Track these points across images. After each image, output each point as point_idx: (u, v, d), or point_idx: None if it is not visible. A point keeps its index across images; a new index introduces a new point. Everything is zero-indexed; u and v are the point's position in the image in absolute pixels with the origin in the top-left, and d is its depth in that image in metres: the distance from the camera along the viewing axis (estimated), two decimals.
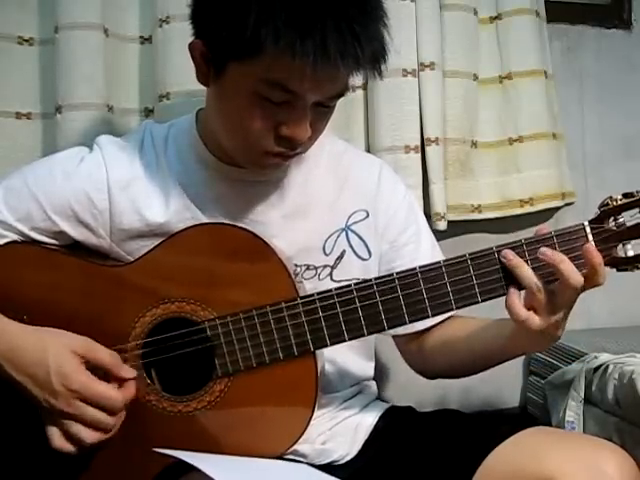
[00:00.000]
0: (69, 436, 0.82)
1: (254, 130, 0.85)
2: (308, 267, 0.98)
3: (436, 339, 1.02)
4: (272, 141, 0.86)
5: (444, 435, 0.94)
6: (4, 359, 0.82)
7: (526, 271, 0.81)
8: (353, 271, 0.99)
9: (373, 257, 1.02)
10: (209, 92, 0.93)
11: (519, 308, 0.82)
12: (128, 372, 0.86)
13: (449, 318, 1.02)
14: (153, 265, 0.89)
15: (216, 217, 0.95)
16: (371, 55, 0.82)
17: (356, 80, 1.42)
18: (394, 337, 1.08)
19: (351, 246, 1.00)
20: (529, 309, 0.82)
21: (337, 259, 0.99)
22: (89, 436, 0.82)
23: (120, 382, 0.85)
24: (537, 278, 0.81)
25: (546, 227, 0.85)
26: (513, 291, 0.83)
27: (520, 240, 0.84)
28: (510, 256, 0.83)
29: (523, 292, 0.83)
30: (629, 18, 1.79)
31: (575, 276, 0.80)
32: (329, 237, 0.99)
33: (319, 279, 0.98)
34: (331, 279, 0.98)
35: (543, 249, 0.81)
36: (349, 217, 1.01)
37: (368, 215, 1.01)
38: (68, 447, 0.83)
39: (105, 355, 0.84)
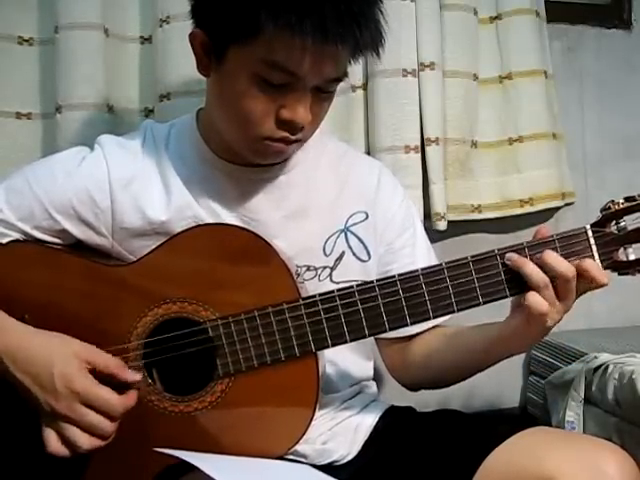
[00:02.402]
0: (65, 440, 0.82)
1: (255, 114, 0.86)
2: (308, 268, 0.98)
3: (419, 350, 1.02)
4: (273, 125, 0.86)
5: (444, 435, 0.94)
6: (8, 357, 0.82)
7: (531, 268, 0.81)
8: (352, 272, 0.99)
9: (372, 259, 1.02)
10: (210, 83, 0.93)
11: (542, 301, 0.81)
12: (133, 375, 0.85)
13: (433, 327, 1.02)
14: (155, 265, 0.90)
15: (218, 216, 0.95)
16: (369, 37, 0.83)
17: (356, 80, 1.45)
18: (378, 346, 1.08)
19: (350, 247, 1.00)
20: None
21: (336, 260, 0.99)
22: (86, 441, 0.82)
23: (123, 389, 0.85)
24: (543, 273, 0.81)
25: (546, 227, 0.85)
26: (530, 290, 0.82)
27: (522, 243, 0.83)
28: (514, 257, 0.82)
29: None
30: (629, 18, 1.79)
31: (565, 266, 0.80)
32: (329, 238, 0.99)
33: (319, 280, 0.98)
34: (331, 280, 0.98)
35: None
36: (348, 218, 1.01)
37: (367, 217, 1.01)
38: (64, 451, 0.82)
39: (109, 360, 0.85)
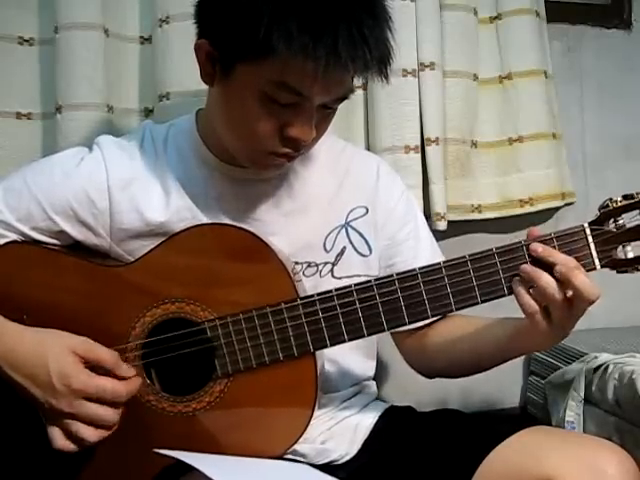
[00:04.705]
0: (71, 435, 0.83)
1: (260, 131, 0.85)
2: (309, 264, 0.98)
3: (438, 337, 1.01)
4: (278, 142, 0.86)
5: (444, 435, 0.94)
6: (4, 361, 0.82)
7: (548, 280, 0.80)
8: (354, 267, 0.99)
9: (374, 253, 1.02)
10: (213, 92, 0.93)
11: (530, 299, 0.81)
12: (128, 371, 0.86)
13: (449, 317, 1.01)
14: (153, 265, 0.90)
15: (216, 216, 0.95)
16: (379, 58, 0.83)
17: (356, 80, 1.45)
18: (393, 335, 1.07)
19: (351, 242, 1.00)
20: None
21: (338, 255, 0.99)
22: (91, 434, 0.82)
23: (121, 379, 0.85)
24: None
25: (537, 230, 0.85)
26: (521, 289, 0.82)
27: (520, 241, 0.83)
28: (529, 269, 0.82)
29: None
30: (629, 18, 1.79)
31: (591, 289, 0.79)
32: (329, 234, 0.99)
33: (320, 276, 0.98)
34: (332, 276, 0.98)
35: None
36: (349, 213, 1.01)
37: (367, 211, 1.02)
38: (70, 447, 0.83)
39: (105, 354, 0.84)
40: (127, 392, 0.84)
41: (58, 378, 0.81)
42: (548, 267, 0.81)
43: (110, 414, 0.83)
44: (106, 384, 0.83)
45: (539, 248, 0.82)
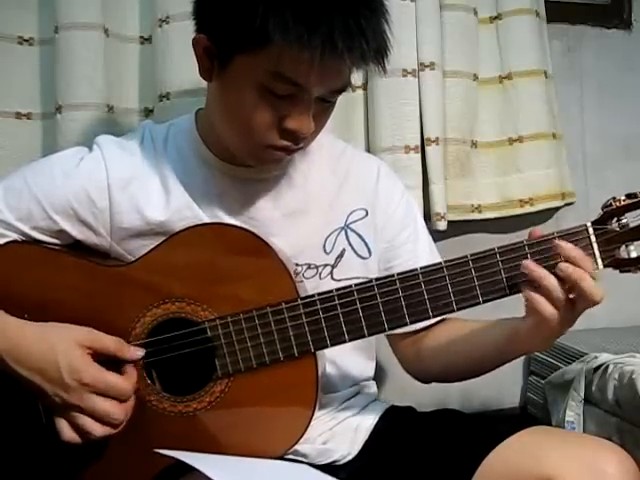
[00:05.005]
0: (78, 429, 0.83)
1: (258, 123, 0.86)
2: (309, 266, 0.98)
3: (434, 342, 1.01)
4: (276, 134, 0.87)
5: (444, 435, 0.94)
6: (8, 355, 0.83)
7: (553, 282, 0.80)
8: (354, 270, 0.99)
9: (373, 256, 1.02)
10: (212, 87, 0.93)
11: (546, 304, 0.81)
12: (134, 353, 0.86)
13: (446, 320, 1.01)
14: (153, 265, 0.89)
15: (217, 216, 0.95)
16: (376, 49, 0.83)
17: (356, 79, 1.45)
18: (389, 339, 1.07)
19: (351, 245, 1.00)
20: None
21: (337, 258, 0.99)
22: (97, 428, 0.83)
23: (125, 369, 0.86)
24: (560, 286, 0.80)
25: (539, 230, 0.84)
26: (533, 293, 0.81)
27: (522, 241, 0.83)
28: (532, 267, 0.81)
29: None
30: (629, 18, 1.79)
31: (596, 291, 0.79)
32: (329, 235, 0.99)
33: (320, 278, 0.98)
34: (332, 278, 0.98)
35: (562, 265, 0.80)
36: (348, 216, 1.01)
37: (367, 214, 1.02)
38: (77, 439, 0.84)
39: (110, 342, 0.85)
40: (132, 386, 0.85)
41: (69, 373, 0.81)
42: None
43: (117, 410, 0.83)
44: (114, 381, 0.84)
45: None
